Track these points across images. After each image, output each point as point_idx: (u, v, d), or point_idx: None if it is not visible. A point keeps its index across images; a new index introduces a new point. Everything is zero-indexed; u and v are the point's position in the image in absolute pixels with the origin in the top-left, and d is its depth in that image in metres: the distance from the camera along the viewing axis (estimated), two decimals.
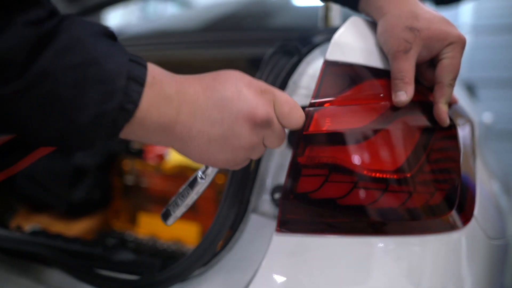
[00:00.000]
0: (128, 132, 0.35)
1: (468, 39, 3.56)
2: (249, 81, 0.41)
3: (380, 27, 0.52)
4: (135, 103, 0.33)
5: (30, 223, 1.08)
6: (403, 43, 0.48)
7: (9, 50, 0.28)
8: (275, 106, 0.41)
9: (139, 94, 0.33)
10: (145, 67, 0.34)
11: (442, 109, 0.49)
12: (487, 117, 1.68)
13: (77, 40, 0.30)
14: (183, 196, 0.46)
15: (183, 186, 0.47)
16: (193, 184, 0.46)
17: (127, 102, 0.33)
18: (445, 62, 0.49)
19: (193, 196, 0.46)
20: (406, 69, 0.48)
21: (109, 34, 0.33)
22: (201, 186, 0.45)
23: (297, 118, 0.43)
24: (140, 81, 0.34)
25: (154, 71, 0.35)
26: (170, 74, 0.38)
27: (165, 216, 0.47)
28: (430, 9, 0.51)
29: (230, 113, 0.39)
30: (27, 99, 0.30)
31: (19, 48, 0.28)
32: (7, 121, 0.31)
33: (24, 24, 0.28)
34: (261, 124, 0.40)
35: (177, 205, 0.46)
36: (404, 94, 0.48)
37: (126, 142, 1.30)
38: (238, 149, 0.40)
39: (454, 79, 0.50)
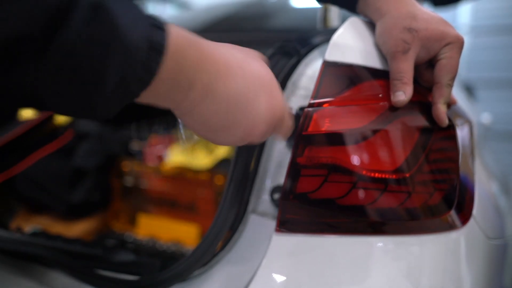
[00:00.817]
0: (140, 97, 0.33)
1: (467, 39, 3.59)
2: (271, 91, 0.41)
3: (378, 28, 0.52)
4: (152, 75, 0.32)
5: (30, 224, 1.08)
6: (402, 44, 0.48)
7: (26, 25, 0.26)
8: (279, 126, 0.43)
9: (158, 64, 0.31)
10: (166, 33, 0.32)
11: (441, 110, 0.50)
12: (486, 117, 1.68)
13: (98, 7, 0.28)
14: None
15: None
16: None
17: (146, 73, 0.31)
18: (443, 62, 0.49)
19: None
20: (405, 70, 0.48)
21: None
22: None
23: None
24: (160, 50, 0.31)
25: (177, 38, 0.33)
26: (194, 41, 0.35)
27: None
28: (428, 10, 0.51)
29: (236, 115, 0.38)
30: (49, 77, 0.28)
31: (38, 21, 0.26)
32: (26, 93, 0.29)
33: None
34: (254, 138, 0.41)
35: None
36: (402, 94, 0.48)
37: (126, 144, 1.30)
38: (224, 139, 0.40)
39: (453, 79, 0.50)
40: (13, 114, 1.17)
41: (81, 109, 0.31)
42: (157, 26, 0.32)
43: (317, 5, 0.68)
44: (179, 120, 0.40)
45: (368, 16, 0.54)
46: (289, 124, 0.45)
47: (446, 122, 0.50)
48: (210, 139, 0.40)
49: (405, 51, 0.48)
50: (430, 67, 0.52)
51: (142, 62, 0.31)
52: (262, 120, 0.39)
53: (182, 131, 1.27)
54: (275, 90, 0.41)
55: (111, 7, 0.29)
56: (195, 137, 1.24)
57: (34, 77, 0.28)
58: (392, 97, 0.49)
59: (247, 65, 0.39)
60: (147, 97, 0.34)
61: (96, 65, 0.29)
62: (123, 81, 0.31)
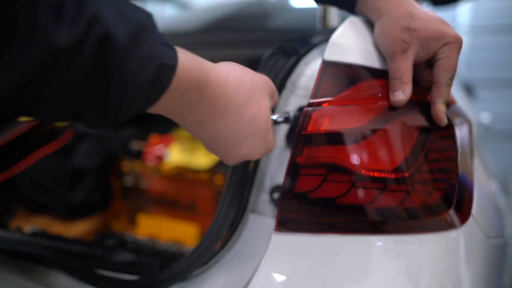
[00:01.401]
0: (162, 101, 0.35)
1: (466, 39, 3.59)
2: (260, 136, 0.44)
3: (377, 28, 0.52)
4: (150, 106, 0.34)
5: (30, 225, 1.08)
6: (401, 44, 0.48)
7: (33, 73, 0.27)
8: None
9: (156, 100, 0.34)
10: (172, 73, 0.33)
11: (440, 109, 0.50)
12: (485, 117, 1.68)
13: (106, 47, 0.29)
14: None
15: None
16: None
17: (144, 105, 0.34)
18: (442, 62, 0.49)
19: None
20: (404, 69, 0.48)
21: (145, 25, 0.32)
22: None
23: None
24: (162, 91, 0.33)
25: (183, 75, 0.34)
26: (201, 77, 0.36)
27: None
28: (427, 10, 0.51)
29: (218, 149, 0.43)
30: (50, 104, 0.30)
31: (43, 68, 0.27)
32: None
33: (47, 32, 0.27)
34: (252, 159, 0.45)
35: None
36: (401, 94, 0.48)
37: (125, 144, 1.31)
38: (223, 160, 0.45)
39: (451, 78, 0.50)
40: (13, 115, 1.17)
41: (74, 121, 0.33)
42: (168, 66, 0.32)
43: (317, 5, 0.68)
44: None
45: (367, 16, 0.54)
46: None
47: (445, 121, 0.50)
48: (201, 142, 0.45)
49: (404, 50, 0.48)
50: (429, 66, 0.52)
51: (142, 100, 0.32)
52: (239, 159, 0.44)
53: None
54: (260, 141, 0.44)
55: (120, 47, 0.29)
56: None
57: (36, 102, 0.29)
58: (391, 97, 0.49)
59: (246, 109, 0.41)
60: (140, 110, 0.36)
61: (95, 98, 0.30)
62: (118, 112, 0.32)
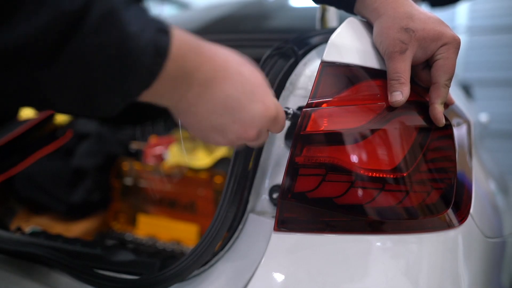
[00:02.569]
0: (140, 97, 0.35)
1: (464, 39, 3.59)
2: (264, 94, 0.42)
3: (376, 29, 0.52)
4: (154, 77, 0.33)
5: (30, 225, 1.09)
6: (399, 44, 0.48)
7: (40, 31, 0.27)
8: (273, 125, 0.45)
9: (160, 68, 0.33)
10: (170, 38, 0.33)
11: (437, 109, 0.50)
12: (483, 117, 1.68)
13: (108, 15, 0.29)
14: None
15: None
16: None
17: (149, 76, 0.33)
18: (440, 62, 0.49)
19: None
20: (402, 70, 0.49)
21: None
22: None
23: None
24: (164, 55, 0.33)
25: (180, 42, 0.34)
26: (196, 43, 0.36)
27: None
28: (425, 11, 0.51)
29: (230, 117, 0.40)
30: (59, 81, 0.30)
31: (51, 30, 0.28)
32: (34, 95, 0.31)
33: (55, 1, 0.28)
34: (247, 140, 0.43)
35: None
36: (399, 94, 0.48)
37: (125, 144, 1.31)
38: (216, 141, 0.42)
39: (450, 79, 0.50)
40: (13, 114, 1.17)
41: (85, 109, 0.32)
42: (163, 31, 0.33)
43: (315, 4, 0.68)
44: (179, 120, 0.41)
45: (366, 17, 0.55)
46: (281, 123, 0.46)
47: (443, 122, 0.50)
48: (203, 138, 0.43)
49: (402, 51, 0.48)
50: (428, 67, 0.52)
51: (146, 66, 0.32)
52: (254, 124, 0.41)
53: (181, 130, 1.27)
54: (267, 95, 0.43)
55: (121, 15, 0.30)
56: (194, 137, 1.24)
57: (45, 80, 0.29)
58: (389, 97, 0.49)
59: (244, 69, 0.41)
60: (146, 96, 0.35)
61: (103, 70, 0.30)
62: (126, 83, 0.32)
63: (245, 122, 0.41)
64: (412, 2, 0.51)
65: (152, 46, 0.32)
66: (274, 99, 0.44)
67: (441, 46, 0.49)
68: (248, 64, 0.42)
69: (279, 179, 0.54)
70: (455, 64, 0.50)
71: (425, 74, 0.52)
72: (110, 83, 0.31)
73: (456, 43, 0.49)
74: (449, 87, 0.50)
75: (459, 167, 0.56)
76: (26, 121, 1.16)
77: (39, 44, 0.27)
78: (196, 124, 0.40)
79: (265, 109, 0.41)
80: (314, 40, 0.63)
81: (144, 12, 0.33)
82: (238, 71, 0.40)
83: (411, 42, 0.48)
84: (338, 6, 0.60)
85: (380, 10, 0.51)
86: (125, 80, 0.32)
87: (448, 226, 0.52)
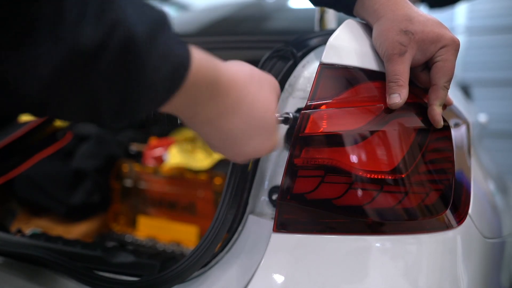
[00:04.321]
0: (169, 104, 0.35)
1: (463, 39, 3.59)
2: (268, 133, 0.44)
3: (375, 31, 0.52)
4: (164, 103, 0.34)
5: (30, 227, 1.09)
6: (398, 46, 0.49)
7: (56, 70, 0.27)
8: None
9: (171, 98, 0.34)
10: (188, 71, 0.34)
11: (436, 111, 0.50)
12: (482, 117, 1.69)
13: (127, 49, 0.29)
14: None
15: None
16: None
17: (158, 104, 0.34)
18: (439, 64, 0.50)
19: None
20: (401, 72, 0.49)
21: (161, 23, 0.32)
22: None
23: None
24: (177, 88, 0.33)
25: (197, 72, 0.35)
26: (213, 73, 0.37)
27: None
28: (424, 13, 0.51)
29: (229, 145, 0.43)
30: (70, 104, 0.30)
31: (67, 67, 0.27)
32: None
33: (73, 34, 0.27)
34: (263, 155, 0.46)
35: None
36: (397, 97, 0.48)
37: (125, 146, 1.31)
38: (234, 159, 0.45)
39: (449, 81, 0.50)
40: (13, 116, 1.17)
41: (91, 122, 0.33)
42: (182, 65, 0.33)
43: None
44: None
45: (365, 19, 0.55)
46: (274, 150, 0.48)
47: (441, 123, 0.51)
48: (204, 141, 0.45)
49: (402, 53, 0.49)
50: (426, 68, 0.52)
51: (158, 97, 0.33)
52: (248, 156, 0.45)
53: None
54: (272, 134, 0.44)
55: (141, 46, 0.29)
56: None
57: (55, 102, 0.29)
58: (387, 99, 0.49)
59: (257, 101, 0.42)
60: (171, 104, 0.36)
61: (114, 97, 0.30)
62: (134, 111, 0.32)
63: (241, 154, 0.44)
64: (412, 5, 0.51)
65: (167, 81, 0.32)
66: (277, 136, 0.46)
67: (440, 48, 0.49)
68: (265, 100, 0.43)
69: (278, 180, 0.54)
70: (454, 66, 0.50)
71: (424, 76, 0.52)
72: (116, 108, 0.31)
73: (455, 45, 0.49)
74: (448, 89, 0.51)
75: (457, 168, 0.56)
76: (26, 123, 1.16)
77: (56, 80, 0.27)
78: (197, 134, 0.43)
79: (264, 147, 0.44)
80: (313, 41, 0.63)
81: (165, 42, 0.32)
82: (250, 110, 0.41)
83: (410, 44, 0.48)
84: (337, 8, 0.60)
85: (379, 12, 0.51)
86: (132, 106, 0.32)
87: (447, 227, 0.52)
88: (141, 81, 0.31)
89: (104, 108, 0.31)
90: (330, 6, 0.61)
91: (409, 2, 0.52)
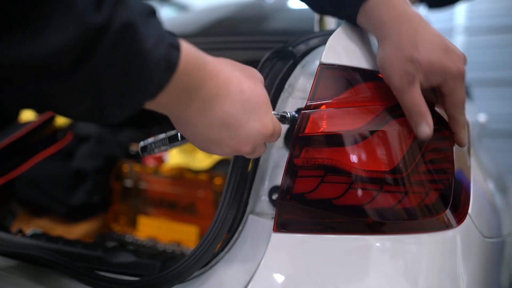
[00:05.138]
0: (148, 104, 0.36)
1: (462, 40, 3.60)
2: (263, 113, 0.43)
3: (379, 54, 0.51)
4: (161, 89, 0.35)
5: (31, 227, 1.09)
6: (406, 76, 0.47)
7: (66, 46, 0.28)
8: (269, 139, 0.46)
9: (167, 81, 0.34)
10: (180, 54, 0.35)
11: (463, 138, 0.52)
12: (482, 117, 1.69)
13: (127, 29, 0.30)
14: (161, 144, 0.51)
15: (162, 136, 0.50)
16: (173, 140, 0.50)
17: (156, 88, 0.34)
18: (450, 99, 0.50)
19: (167, 147, 0.50)
20: (418, 101, 0.48)
21: (153, 11, 0.34)
22: (178, 144, 0.49)
23: None
24: (173, 70, 0.34)
25: (188, 58, 0.36)
26: (202, 60, 0.38)
27: (143, 150, 0.52)
28: (429, 31, 0.49)
29: (227, 133, 0.41)
30: (73, 92, 0.30)
31: (76, 43, 0.28)
32: (44, 102, 0.31)
33: (82, 12, 0.28)
34: (242, 153, 0.44)
35: (153, 148, 0.51)
36: (427, 127, 0.48)
37: (125, 146, 1.31)
38: (213, 151, 0.44)
39: (463, 108, 0.51)
40: (13, 117, 1.17)
41: (92, 117, 0.33)
42: (175, 46, 0.34)
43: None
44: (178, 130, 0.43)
45: (368, 31, 0.54)
46: (277, 137, 0.47)
47: (465, 143, 0.53)
48: (200, 148, 0.44)
49: (411, 82, 0.48)
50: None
51: (155, 80, 0.33)
52: (249, 141, 0.43)
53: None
54: (266, 114, 0.44)
55: (138, 29, 0.31)
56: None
57: (60, 91, 0.30)
58: (416, 132, 0.48)
59: (246, 87, 0.42)
60: (149, 106, 0.36)
61: (114, 82, 0.31)
62: (135, 95, 0.33)
63: (241, 139, 0.42)
64: (416, 20, 0.49)
65: (163, 61, 0.33)
66: (273, 117, 0.45)
67: (447, 81, 0.48)
68: (252, 81, 0.43)
69: (278, 180, 0.54)
70: (465, 94, 0.50)
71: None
72: (119, 94, 0.32)
73: (461, 76, 0.49)
74: (464, 113, 0.51)
75: (457, 168, 0.56)
76: (26, 123, 1.16)
77: (63, 57, 0.28)
78: (194, 135, 0.42)
79: (262, 128, 0.43)
80: (313, 42, 0.64)
81: (159, 25, 0.33)
82: (240, 89, 0.41)
83: (417, 73, 0.47)
84: (340, 17, 0.58)
85: (382, 31, 0.50)
86: (134, 92, 0.33)
87: (447, 226, 0.52)
88: (141, 61, 0.31)
89: (106, 94, 0.31)
90: (333, 15, 0.59)
91: (413, 15, 0.49)
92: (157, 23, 0.33)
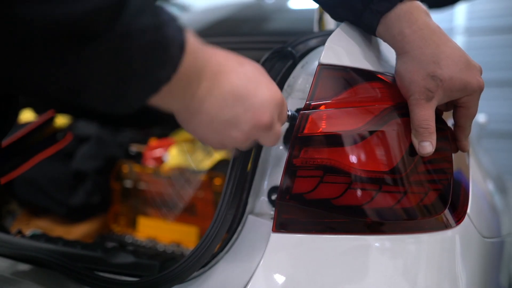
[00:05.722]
0: (159, 95, 0.36)
1: (462, 40, 3.60)
2: (268, 81, 0.43)
3: (399, 66, 0.50)
4: (175, 69, 0.35)
5: (31, 228, 1.09)
6: (425, 92, 0.47)
7: (91, 12, 0.28)
8: (281, 112, 0.45)
9: (180, 60, 0.35)
10: (185, 33, 0.35)
11: (466, 146, 0.54)
12: (481, 117, 1.69)
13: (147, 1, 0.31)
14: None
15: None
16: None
17: (172, 69, 0.34)
18: (464, 111, 0.51)
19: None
20: (430, 117, 0.48)
21: None
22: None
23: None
24: (182, 48, 0.35)
25: (193, 40, 0.36)
26: (201, 44, 0.38)
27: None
28: (450, 45, 0.48)
29: (242, 106, 0.40)
30: (97, 64, 0.30)
31: (106, 7, 0.28)
32: (77, 81, 0.31)
33: None
34: (262, 128, 0.42)
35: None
36: (430, 146, 0.48)
37: (125, 147, 1.31)
38: (232, 138, 0.42)
39: (472, 120, 0.52)
40: (13, 118, 1.17)
41: (111, 99, 0.33)
42: (180, 27, 0.35)
43: (314, 6, 0.66)
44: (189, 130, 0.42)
45: (387, 42, 0.52)
46: (286, 111, 0.47)
47: (468, 150, 0.54)
48: (217, 140, 0.42)
49: (429, 99, 0.48)
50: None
51: (172, 57, 0.34)
52: (265, 109, 0.41)
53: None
54: (270, 82, 0.44)
55: (154, 3, 0.32)
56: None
57: (85, 62, 0.30)
58: (417, 147, 0.49)
59: (243, 61, 0.43)
60: (164, 95, 0.36)
61: (137, 55, 0.31)
62: (155, 73, 0.33)
63: (256, 108, 0.41)
64: (438, 34, 0.48)
65: (176, 40, 0.34)
66: (276, 86, 0.45)
67: (466, 96, 0.49)
68: (245, 58, 0.44)
69: (277, 180, 0.54)
70: (478, 107, 0.51)
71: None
72: (141, 70, 0.32)
73: (480, 90, 0.49)
74: (471, 125, 0.53)
75: (456, 168, 0.56)
76: (26, 124, 1.16)
77: (92, 21, 0.28)
78: (209, 125, 0.41)
79: (272, 93, 0.42)
80: (312, 42, 0.64)
81: (164, 8, 0.34)
82: (239, 63, 0.42)
83: (438, 91, 0.47)
84: (359, 26, 0.55)
85: (404, 46, 0.49)
86: (154, 68, 0.33)
87: (446, 226, 0.52)
88: (159, 36, 0.32)
89: (133, 67, 0.31)
90: (353, 24, 0.57)
91: (435, 29, 0.49)
92: (161, 6, 0.34)
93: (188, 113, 0.40)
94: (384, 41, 0.53)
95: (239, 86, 0.40)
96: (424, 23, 0.48)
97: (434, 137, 0.48)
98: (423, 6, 0.50)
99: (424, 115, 0.48)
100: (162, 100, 0.36)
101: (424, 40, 0.48)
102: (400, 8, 0.49)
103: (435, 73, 0.47)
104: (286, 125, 0.56)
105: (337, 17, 0.58)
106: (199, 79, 0.38)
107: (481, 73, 0.50)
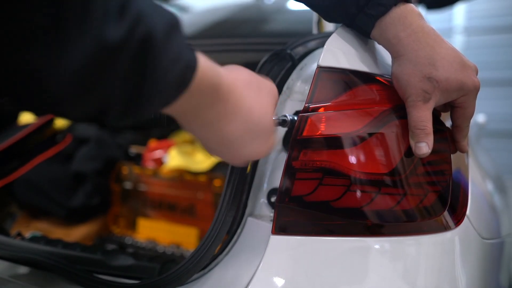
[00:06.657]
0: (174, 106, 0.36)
1: (461, 40, 3.60)
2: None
3: (395, 70, 0.50)
4: (169, 104, 0.35)
5: (30, 230, 1.09)
6: (422, 93, 0.48)
7: (83, 64, 0.27)
8: None
9: (177, 98, 0.35)
10: (195, 74, 0.35)
11: (465, 146, 0.54)
12: (480, 117, 1.69)
13: (146, 46, 0.30)
14: None
15: None
16: None
17: (164, 105, 0.35)
18: (461, 111, 0.51)
19: None
20: (427, 119, 0.48)
21: (176, 23, 0.33)
22: None
23: None
24: (184, 90, 0.34)
25: (202, 76, 0.35)
26: (215, 79, 0.38)
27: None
28: (445, 46, 0.49)
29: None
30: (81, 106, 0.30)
31: (92, 61, 0.28)
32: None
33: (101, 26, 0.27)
34: (259, 157, 0.46)
35: None
36: (426, 146, 0.48)
37: (125, 148, 1.31)
38: (240, 155, 0.44)
39: (471, 119, 0.52)
40: (13, 118, 1.17)
41: (97, 118, 0.33)
42: (191, 67, 0.34)
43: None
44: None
45: (382, 45, 0.53)
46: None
47: (467, 151, 0.54)
48: (224, 154, 0.45)
49: (426, 100, 0.48)
50: None
51: (166, 97, 0.34)
52: (245, 159, 0.45)
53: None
54: (269, 139, 0.45)
55: (156, 45, 0.30)
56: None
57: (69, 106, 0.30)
58: (414, 148, 0.49)
59: (255, 106, 0.42)
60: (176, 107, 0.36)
61: (124, 93, 0.31)
62: (143, 107, 0.33)
63: (238, 157, 0.44)
64: (432, 36, 0.49)
65: (176, 81, 0.33)
66: (274, 139, 0.46)
67: (462, 96, 0.49)
68: (263, 103, 0.43)
69: (277, 182, 0.54)
70: (475, 108, 0.51)
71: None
72: (126, 106, 0.32)
73: (476, 90, 0.50)
74: (469, 125, 0.53)
75: (455, 169, 0.56)
76: (25, 126, 1.16)
77: (79, 77, 0.28)
78: (195, 136, 0.43)
79: (261, 150, 0.44)
80: (311, 44, 0.64)
81: (179, 41, 0.33)
82: (249, 111, 0.42)
83: (434, 92, 0.48)
84: (354, 28, 0.56)
85: (399, 49, 0.49)
86: (145, 103, 0.32)
87: (445, 228, 0.52)
88: (155, 79, 0.31)
89: (114, 105, 0.31)
90: (348, 26, 0.57)
91: (430, 31, 0.49)
92: (178, 37, 0.33)
93: (184, 122, 0.40)
94: (379, 44, 0.53)
95: (234, 134, 0.41)
96: (418, 26, 0.49)
97: (430, 138, 0.48)
98: (416, 9, 0.50)
99: (421, 116, 0.48)
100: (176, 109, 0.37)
101: (419, 42, 0.48)
102: (394, 12, 0.49)
103: (431, 75, 0.47)
104: (286, 128, 0.56)
105: (331, 20, 0.58)
106: (196, 117, 0.39)
107: (476, 73, 0.50)
